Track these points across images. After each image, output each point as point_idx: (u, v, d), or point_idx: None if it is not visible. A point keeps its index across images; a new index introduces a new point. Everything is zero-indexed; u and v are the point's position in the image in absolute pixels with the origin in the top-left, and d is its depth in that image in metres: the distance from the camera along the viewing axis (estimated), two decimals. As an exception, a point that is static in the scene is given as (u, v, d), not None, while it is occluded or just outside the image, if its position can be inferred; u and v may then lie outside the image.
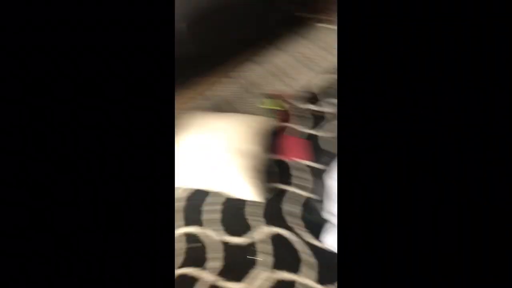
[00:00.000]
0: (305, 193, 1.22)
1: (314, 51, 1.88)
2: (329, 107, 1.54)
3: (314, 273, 1.02)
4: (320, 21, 2.03)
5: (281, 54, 1.87)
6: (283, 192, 1.23)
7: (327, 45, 1.90)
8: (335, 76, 1.71)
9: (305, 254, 1.06)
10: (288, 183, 1.25)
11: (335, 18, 2.10)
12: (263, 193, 1.17)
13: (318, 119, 1.49)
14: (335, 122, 1.49)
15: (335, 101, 1.57)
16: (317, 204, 1.12)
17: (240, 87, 1.75)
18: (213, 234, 1.12)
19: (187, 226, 1.16)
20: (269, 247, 1.07)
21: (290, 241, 1.09)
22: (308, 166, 1.30)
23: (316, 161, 1.29)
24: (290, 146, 1.38)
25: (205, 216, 1.18)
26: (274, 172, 1.29)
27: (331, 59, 1.81)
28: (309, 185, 1.24)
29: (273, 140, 1.40)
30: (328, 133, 1.43)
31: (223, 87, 1.75)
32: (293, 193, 1.22)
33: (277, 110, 1.52)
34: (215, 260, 1.06)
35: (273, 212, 1.17)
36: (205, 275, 1.03)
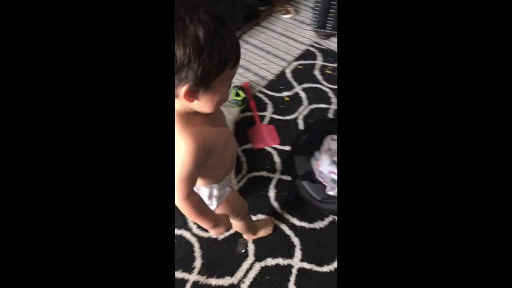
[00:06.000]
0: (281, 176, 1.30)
1: (280, 41, 1.95)
2: (295, 92, 1.62)
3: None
4: (284, 12, 2.10)
5: (249, 47, 1.94)
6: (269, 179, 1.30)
7: (292, 35, 1.98)
8: (302, 62, 1.79)
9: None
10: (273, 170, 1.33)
11: (295, 9, 2.17)
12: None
13: (282, 103, 1.57)
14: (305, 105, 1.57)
15: (301, 86, 1.65)
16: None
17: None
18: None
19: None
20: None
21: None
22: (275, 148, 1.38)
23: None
24: (264, 133, 1.46)
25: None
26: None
27: (297, 46, 1.88)
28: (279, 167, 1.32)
29: (248, 130, 1.47)
30: (290, 116, 1.52)
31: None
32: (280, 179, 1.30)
33: (243, 99, 1.56)
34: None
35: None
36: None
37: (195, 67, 0.47)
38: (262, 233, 1.13)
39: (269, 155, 1.38)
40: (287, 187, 1.27)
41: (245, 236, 1.11)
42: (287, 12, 2.09)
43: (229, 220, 0.77)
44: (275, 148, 1.40)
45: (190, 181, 0.61)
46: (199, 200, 0.67)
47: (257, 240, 1.13)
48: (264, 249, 1.11)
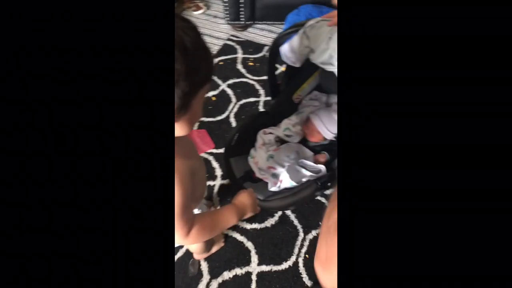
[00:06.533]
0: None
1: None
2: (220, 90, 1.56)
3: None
4: (194, 9, 1.99)
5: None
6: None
7: (207, 31, 1.89)
8: (222, 58, 1.72)
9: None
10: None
11: (205, 4, 2.08)
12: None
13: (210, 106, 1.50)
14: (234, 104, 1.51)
15: (226, 83, 1.59)
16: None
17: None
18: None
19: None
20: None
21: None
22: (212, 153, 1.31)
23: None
24: (196, 139, 1.37)
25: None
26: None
27: (215, 42, 1.81)
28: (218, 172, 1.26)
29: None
30: (221, 116, 1.46)
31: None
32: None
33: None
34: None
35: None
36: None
37: (184, 84, 0.39)
38: (214, 248, 1.05)
39: (207, 161, 1.30)
40: (231, 192, 1.21)
41: (195, 256, 1.03)
42: (198, 8, 2.00)
43: (242, 198, 0.69)
44: (211, 153, 1.32)
45: (187, 214, 0.53)
46: (202, 223, 0.57)
47: (209, 255, 1.05)
48: (218, 263, 1.05)
